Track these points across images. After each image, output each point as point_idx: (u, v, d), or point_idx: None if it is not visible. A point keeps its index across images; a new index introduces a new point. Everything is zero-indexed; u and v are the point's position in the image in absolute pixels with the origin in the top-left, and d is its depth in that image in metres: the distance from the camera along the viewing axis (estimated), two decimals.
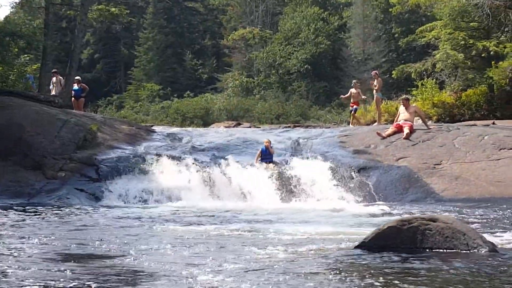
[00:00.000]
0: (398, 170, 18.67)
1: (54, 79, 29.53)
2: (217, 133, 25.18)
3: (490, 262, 8.21)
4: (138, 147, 20.82)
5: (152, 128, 27.36)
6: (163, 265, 8.06)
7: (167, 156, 19.48)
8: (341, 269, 7.92)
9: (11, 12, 54.17)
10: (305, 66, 62.90)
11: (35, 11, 37.74)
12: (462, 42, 33.90)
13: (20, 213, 14.04)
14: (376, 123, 27.19)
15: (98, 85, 70.90)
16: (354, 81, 29.26)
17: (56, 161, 18.75)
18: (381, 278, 7.31)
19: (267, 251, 9.18)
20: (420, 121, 23.40)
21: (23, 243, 9.75)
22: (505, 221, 12.93)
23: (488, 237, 9.53)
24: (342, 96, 29.73)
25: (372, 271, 7.72)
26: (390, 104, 38.07)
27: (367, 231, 10.16)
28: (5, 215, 13.53)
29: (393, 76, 42.95)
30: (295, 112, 54.24)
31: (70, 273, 7.56)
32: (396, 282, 7.12)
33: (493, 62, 33.26)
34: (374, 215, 14.37)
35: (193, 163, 19.02)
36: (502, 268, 7.90)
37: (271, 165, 19.29)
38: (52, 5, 35.32)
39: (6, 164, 18.49)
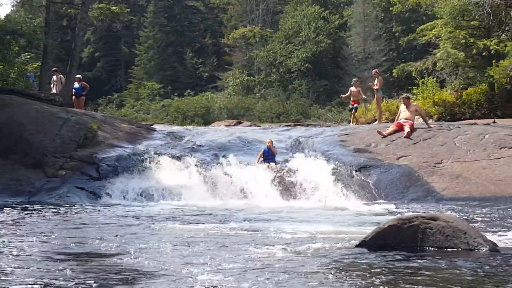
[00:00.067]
0: (398, 169, 18.66)
1: (54, 77, 29.52)
2: (218, 132, 25.15)
3: (490, 261, 8.21)
4: (138, 145, 20.80)
5: (153, 126, 27.34)
6: (163, 264, 8.06)
7: (167, 154, 19.47)
8: (341, 268, 7.91)
9: (11, 10, 54.15)
10: (306, 65, 62.90)
11: (36, 9, 37.71)
12: (463, 41, 33.91)
13: (21, 211, 14.04)
14: (376, 122, 27.17)
15: (98, 84, 70.97)
16: (354, 79, 29.25)
17: (57, 160, 18.74)
18: (381, 277, 7.30)
19: (267, 250, 9.17)
20: (420, 119, 23.38)
21: (23, 242, 9.75)
22: (506, 220, 12.93)
23: (488, 236, 9.53)
24: (342, 95, 29.71)
25: (372, 270, 7.72)
26: (391, 102, 38.08)
27: (367, 230, 10.15)
28: (6, 214, 13.52)
29: (393, 74, 43.02)
30: (295, 110, 54.23)
31: (70, 271, 7.55)
32: (397, 281, 7.11)
33: (493, 61, 33.23)
34: (374, 214, 14.37)
35: (194, 162, 19.01)
36: (502, 267, 7.89)
37: (272, 164, 19.27)
38: (53, 4, 35.33)
39: (7, 162, 18.48)
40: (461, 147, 19.61)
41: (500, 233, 10.86)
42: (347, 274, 7.53)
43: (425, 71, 38.39)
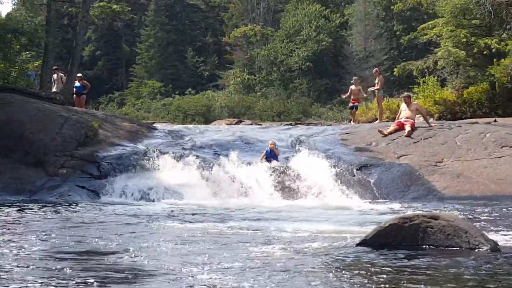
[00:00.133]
0: (399, 167, 18.65)
1: (55, 76, 29.54)
2: (219, 131, 25.16)
3: (491, 260, 8.20)
4: (139, 144, 20.80)
5: (154, 125, 27.33)
6: (163, 263, 8.05)
7: (168, 153, 19.46)
8: (342, 267, 7.91)
9: (12, 9, 54.16)
10: (307, 64, 62.90)
11: (37, 8, 37.69)
12: (464, 40, 33.90)
13: (21, 210, 14.04)
14: (377, 121, 27.16)
15: (99, 82, 71.03)
16: (354, 78, 29.26)
17: (58, 158, 18.74)
18: (382, 276, 7.30)
19: (268, 249, 9.16)
20: (421, 118, 23.37)
21: (23, 240, 9.75)
22: (507, 219, 12.91)
23: (490, 235, 9.52)
24: (343, 95, 29.61)
25: (373, 269, 7.71)
26: (392, 101, 38.08)
27: (368, 229, 10.15)
28: (6, 212, 13.53)
29: (394, 73, 42.99)
30: (296, 109, 54.22)
31: (70, 270, 7.55)
32: (397, 280, 7.11)
33: (494, 60, 33.23)
34: (375, 213, 14.34)
35: (195, 161, 19.00)
36: (503, 266, 7.88)
37: (274, 161, 19.26)
38: (54, 2, 35.28)
39: (7, 161, 18.49)
40: (462, 146, 19.60)
41: (501, 232, 10.85)
42: (347, 273, 7.52)
43: (426, 70, 38.37)
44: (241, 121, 40.22)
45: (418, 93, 37.19)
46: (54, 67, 30.22)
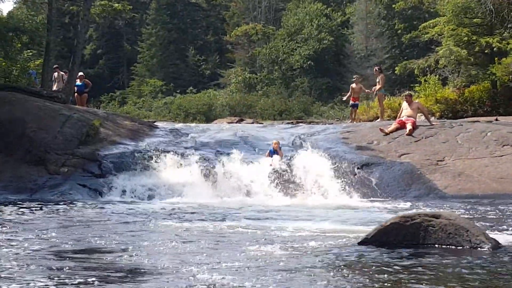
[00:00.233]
0: (400, 166, 18.64)
1: (55, 74, 29.53)
2: (220, 129, 25.15)
3: (493, 259, 8.20)
4: (140, 143, 20.79)
5: (155, 124, 27.33)
6: (163, 262, 8.05)
7: (169, 152, 19.45)
8: (343, 265, 7.91)
9: (14, 7, 54.14)
10: (308, 62, 62.90)
11: (38, 6, 37.65)
12: (465, 38, 33.88)
13: (22, 208, 14.05)
14: (379, 119, 27.15)
15: (101, 81, 70.96)
16: (355, 76, 29.24)
17: (59, 157, 18.75)
18: (383, 274, 7.30)
19: (269, 248, 9.16)
20: (423, 117, 23.35)
21: (24, 239, 9.75)
22: (508, 217, 12.91)
23: (491, 233, 9.53)
24: (345, 97, 29.35)
25: (374, 268, 7.72)
26: (393, 100, 38.07)
27: (369, 228, 10.15)
28: (7, 211, 13.54)
29: (396, 72, 42.99)
30: (297, 108, 54.23)
31: (70, 269, 7.56)
32: (398, 278, 7.11)
33: (496, 59, 33.19)
34: (376, 212, 14.35)
35: (196, 159, 19.00)
36: (505, 265, 7.88)
37: (276, 156, 19.24)
38: (55, 1, 35.24)
39: (9, 159, 18.49)
40: (463, 145, 19.59)
41: (502, 230, 10.86)
42: (349, 271, 7.52)
43: (427, 68, 38.34)
44: (242, 120, 40.23)
45: (420, 92, 37.17)
46: (55, 66, 30.21)
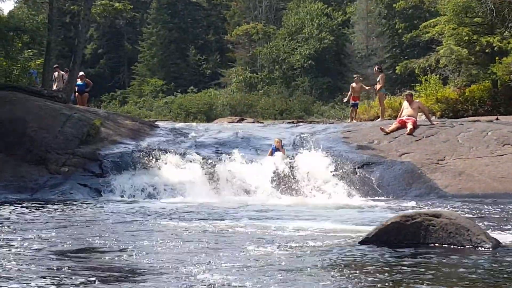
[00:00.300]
0: (401, 165, 18.65)
1: (55, 74, 29.55)
2: (221, 129, 25.16)
3: (493, 258, 8.20)
4: (141, 142, 20.79)
5: (156, 123, 27.33)
6: (163, 262, 8.05)
7: (170, 151, 19.44)
8: (344, 265, 7.91)
9: (15, 7, 54.12)
10: (309, 62, 62.93)
11: (39, 6, 37.65)
12: (466, 38, 33.86)
13: (23, 208, 14.04)
14: (379, 119, 27.15)
15: (101, 80, 71.01)
16: (355, 75, 29.25)
17: (60, 156, 18.75)
18: (384, 274, 7.30)
19: (269, 247, 9.16)
20: (423, 116, 23.35)
21: (24, 239, 9.75)
22: (509, 217, 12.92)
23: (491, 233, 9.53)
24: (346, 98, 29.29)
25: (375, 267, 7.72)
26: (394, 99, 38.08)
27: (370, 227, 10.15)
28: (8, 210, 13.53)
29: (396, 71, 43.02)
30: (298, 107, 54.24)
31: (70, 268, 7.56)
32: (399, 278, 7.11)
33: (496, 58, 33.19)
34: (377, 211, 14.34)
35: (197, 159, 19.00)
36: (505, 264, 7.88)
37: (279, 153, 19.24)
38: (56, 0, 35.27)
39: (9, 159, 18.49)
40: (464, 144, 19.60)
41: (503, 230, 10.85)
42: (349, 271, 7.52)
43: (428, 68, 38.36)
44: (243, 119, 40.18)
45: (420, 91, 37.19)
46: (55, 66, 30.23)
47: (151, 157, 18.91)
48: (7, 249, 8.79)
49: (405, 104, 22.09)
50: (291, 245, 9.30)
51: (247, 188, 17.92)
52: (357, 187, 17.90)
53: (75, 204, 15.10)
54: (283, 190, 17.85)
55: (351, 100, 27.52)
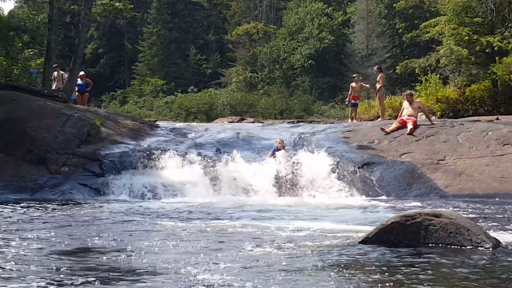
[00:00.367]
0: (401, 165, 18.65)
1: (55, 73, 29.54)
2: (221, 129, 25.16)
3: (494, 258, 8.20)
4: (141, 142, 20.80)
5: (156, 123, 27.34)
6: (163, 262, 8.04)
7: (170, 151, 19.44)
8: (343, 264, 7.91)
9: (15, 6, 54.14)
10: (309, 61, 62.95)
11: (39, 6, 37.65)
12: (466, 38, 33.86)
13: (23, 208, 14.03)
14: (379, 119, 27.16)
15: (101, 80, 70.99)
16: (354, 75, 29.27)
17: (60, 156, 18.75)
18: (384, 273, 7.30)
19: (269, 247, 9.16)
20: (424, 116, 23.35)
21: (24, 239, 9.75)
22: (509, 217, 12.91)
23: (492, 233, 9.52)
24: (346, 99, 29.30)
25: (375, 267, 7.71)
26: (394, 99, 38.09)
27: (370, 227, 10.15)
28: (8, 210, 13.53)
29: (397, 71, 43.00)
30: (298, 107, 54.24)
31: (70, 269, 7.55)
32: (399, 277, 7.11)
33: (497, 58, 33.21)
34: (377, 211, 14.34)
35: (197, 158, 19.00)
36: (505, 264, 7.88)
37: (280, 152, 19.23)
38: (56, 0, 35.29)
39: (9, 158, 18.49)
40: (464, 144, 19.60)
41: (503, 230, 10.85)
42: (349, 271, 7.52)
43: (428, 68, 38.37)
44: (243, 119, 40.21)
45: (420, 91, 37.21)
46: (54, 65, 30.22)
47: (151, 157, 18.91)
48: (7, 249, 8.79)
49: (406, 104, 22.10)
50: (291, 245, 9.29)
51: (247, 188, 17.91)
52: (357, 187, 17.91)
53: (75, 204, 15.10)
54: (283, 190, 17.85)
55: (351, 100, 27.54)
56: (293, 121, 35.24)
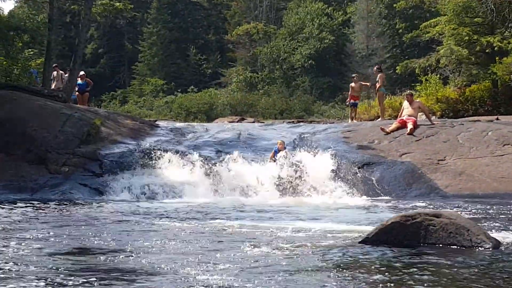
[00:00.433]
0: (401, 165, 18.64)
1: (54, 73, 29.54)
2: (221, 128, 25.15)
3: (493, 258, 8.19)
4: (142, 142, 20.80)
5: (156, 123, 27.34)
6: (163, 262, 8.03)
7: (170, 151, 19.44)
8: (343, 264, 7.90)
9: (15, 6, 54.14)
10: (309, 62, 62.97)
11: (39, 5, 37.65)
12: (466, 38, 33.88)
13: (23, 208, 14.02)
14: (379, 119, 27.16)
15: (102, 80, 70.99)
16: (353, 75, 29.30)
17: (60, 156, 18.75)
18: (384, 273, 7.29)
19: (269, 247, 9.15)
20: (424, 116, 23.35)
21: (23, 239, 9.74)
22: (509, 217, 12.91)
23: (491, 233, 9.52)
24: (347, 100, 29.25)
25: (375, 267, 7.71)
26: (394, 99, 38.10)
27: (370, 227, 10.15)
28: (8, 210, 13.52)
29: (397, 71, 43.04)
30: (298, 107, 54.25)
31: (69, 269, 7.55)
32: (399, 278, 7.10)
33: (497, 58, 33.23)
34: (377, 211, 14.34)
35: (197, 158, 18.99)
36: (505, 264, 7.87)
37: (281, 152, 19.22)
38: (57, 0, 35.30)
39: (9, 158, 18.49)
40: (464, 144, 19.59)
41: (503, 230, 10.84)
42: (349, 270, 7.52)
43: (428, 68, 38.39)
44: (243, 119, 40.23)
45: (421, 91, 37.22)
46: (54, 65, 30.22)
47: (151, 157, 18.91)
48: (6, 249, 8.78)
49: (406, 104, 22.10)
50: (291, 245, 9.28)
51: (247, 188, 17.91)
52: (358, 187, 17.91)
53: (75, 204, 15.10)
54: (282, 190, 17.85)
55: (350, 99, 27.55)
56: (293, 121, 35.25)
